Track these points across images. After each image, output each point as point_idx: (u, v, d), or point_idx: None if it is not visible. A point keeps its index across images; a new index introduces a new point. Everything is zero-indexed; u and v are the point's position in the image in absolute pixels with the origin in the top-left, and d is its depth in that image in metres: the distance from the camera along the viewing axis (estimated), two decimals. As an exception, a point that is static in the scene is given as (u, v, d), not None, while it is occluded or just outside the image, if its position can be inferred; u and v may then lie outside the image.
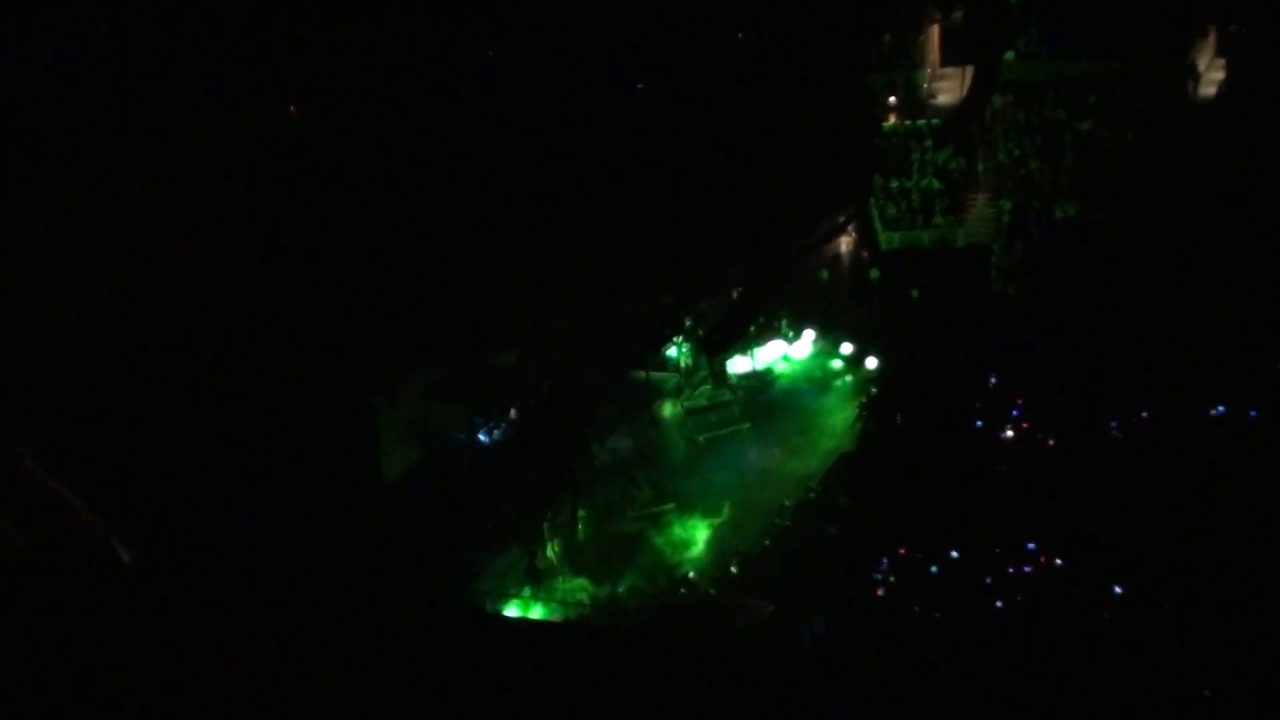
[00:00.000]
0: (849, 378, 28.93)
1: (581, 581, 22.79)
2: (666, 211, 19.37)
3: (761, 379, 29.54)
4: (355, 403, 21.91)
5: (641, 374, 28.77)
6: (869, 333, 29.37)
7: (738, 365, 29.83)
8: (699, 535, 24.04)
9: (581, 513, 24.57)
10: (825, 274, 32.12)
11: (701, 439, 27.56)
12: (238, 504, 19.34)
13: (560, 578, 23.03)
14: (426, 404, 26.12)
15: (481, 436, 26.53)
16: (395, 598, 19.72)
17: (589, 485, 25.23)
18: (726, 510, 24.56)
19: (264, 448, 19.68)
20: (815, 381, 29.11)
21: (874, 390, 27.48)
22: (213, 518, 19.15)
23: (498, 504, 24.53)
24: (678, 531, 24.16)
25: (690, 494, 25.18)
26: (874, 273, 31.65)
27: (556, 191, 18.90)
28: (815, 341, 30.17)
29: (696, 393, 28.95)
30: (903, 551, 21.06)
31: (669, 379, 29.51)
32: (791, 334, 30.27)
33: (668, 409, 28.79)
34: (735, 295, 29.18)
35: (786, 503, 23.99)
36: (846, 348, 29.56)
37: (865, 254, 32.59)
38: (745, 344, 29.72)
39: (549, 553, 23.57)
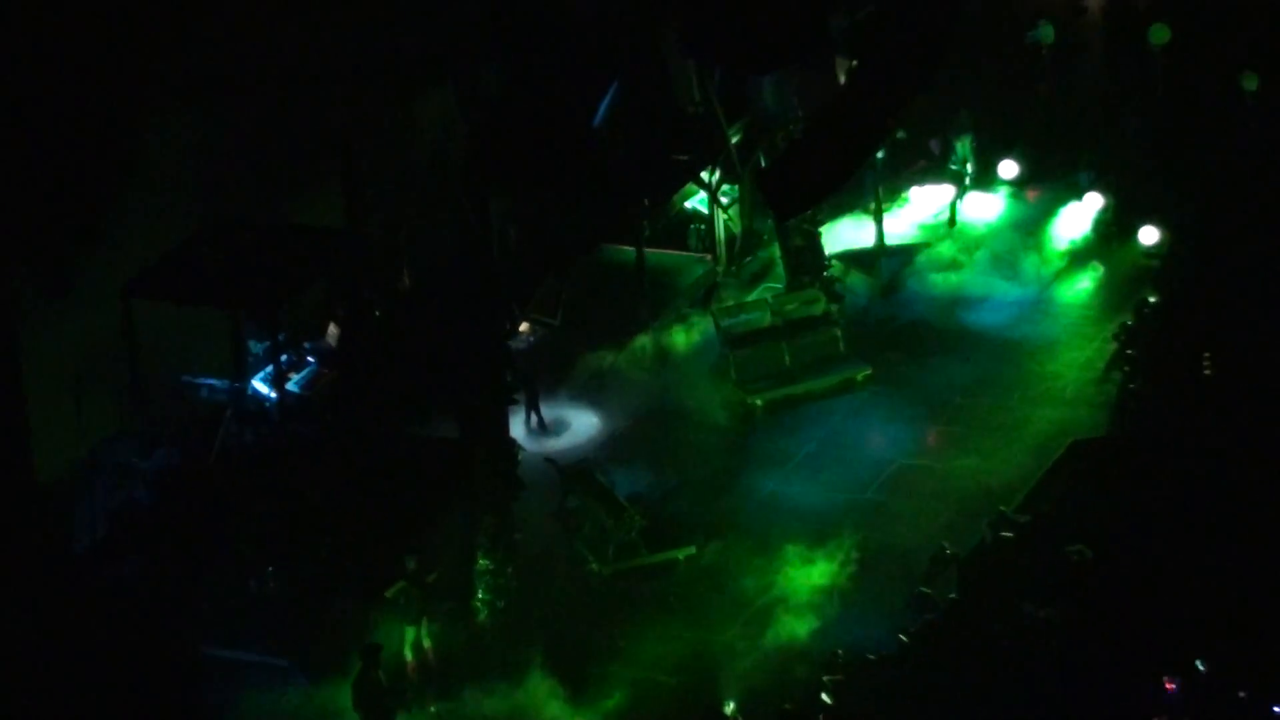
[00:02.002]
0: (1094, 271, 30.03)
1: (480, 709, 23.34)
2: None
3: (898, 271, 30.59)
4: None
5: (628, 251, 29.68)
6: (1142, 170, 30.50)
7: (843, 237, 30.86)
8: (750, 615, 24.55)
9: (485, 561, 25.10)
10: (1048, 33, 33.75)
11: (760, 401, 28.49)
12: None
13: (432, 706, 23.47)
14: (130, 309, 25.88)
15: (259, 384, 26.75)
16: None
17: (506, 500, 25.65)
18: (812, 562, 25.11)
19: None
20: (1017, 278, 30.16)
21: (1149, 302, 28.04)
22: None
23: (295, 537, 24.79)
24: (703, 606, 24.84)
25: (733, 524, 26.08)
26: (1158, 33, 32.80)
27: None
28: (1019, 185, 31.63)
29: (751, 298, 29.70)
30: (1205, 668, 21.32)
31: (692, 264, 30.48)
32: (969, 168, 31.68)
33: (683, 333, 29.55)
34: (842, 72, 28.97)
35: (948, 549, 24.46)
36: (1093, 201, 30.58)
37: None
38: (861, 191, 30.39)
39: (408, 650, 24.07)
